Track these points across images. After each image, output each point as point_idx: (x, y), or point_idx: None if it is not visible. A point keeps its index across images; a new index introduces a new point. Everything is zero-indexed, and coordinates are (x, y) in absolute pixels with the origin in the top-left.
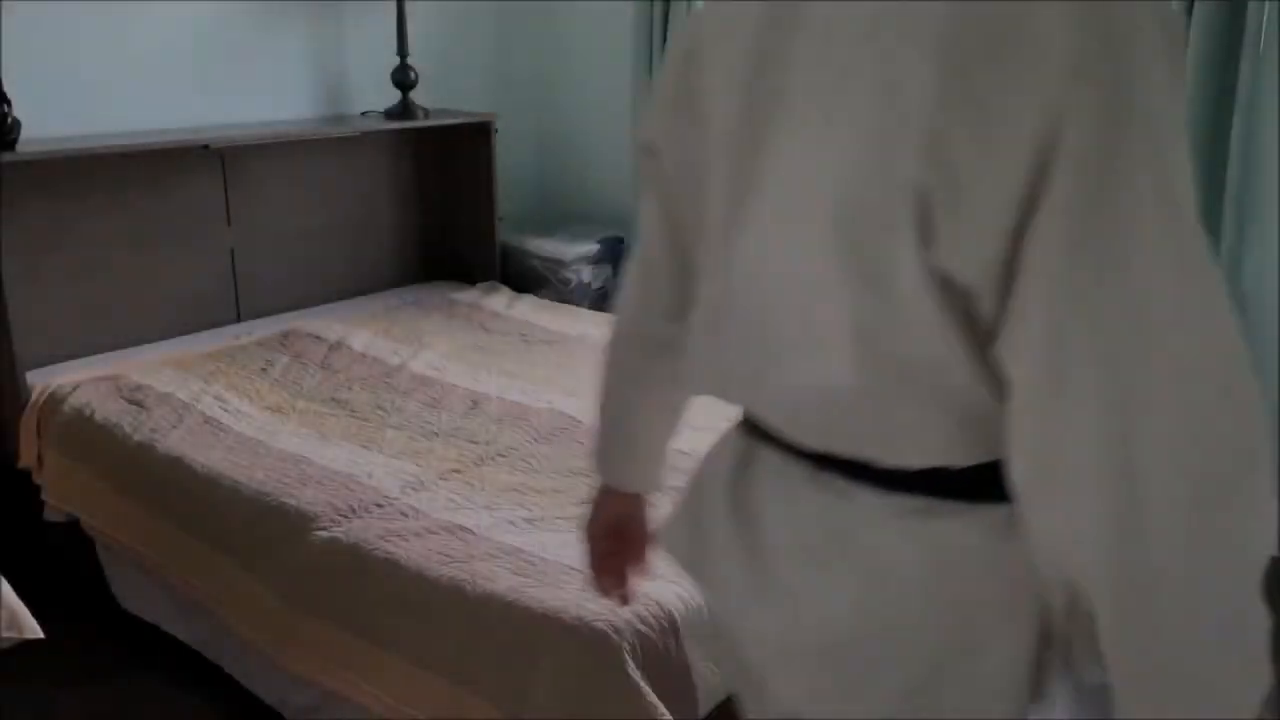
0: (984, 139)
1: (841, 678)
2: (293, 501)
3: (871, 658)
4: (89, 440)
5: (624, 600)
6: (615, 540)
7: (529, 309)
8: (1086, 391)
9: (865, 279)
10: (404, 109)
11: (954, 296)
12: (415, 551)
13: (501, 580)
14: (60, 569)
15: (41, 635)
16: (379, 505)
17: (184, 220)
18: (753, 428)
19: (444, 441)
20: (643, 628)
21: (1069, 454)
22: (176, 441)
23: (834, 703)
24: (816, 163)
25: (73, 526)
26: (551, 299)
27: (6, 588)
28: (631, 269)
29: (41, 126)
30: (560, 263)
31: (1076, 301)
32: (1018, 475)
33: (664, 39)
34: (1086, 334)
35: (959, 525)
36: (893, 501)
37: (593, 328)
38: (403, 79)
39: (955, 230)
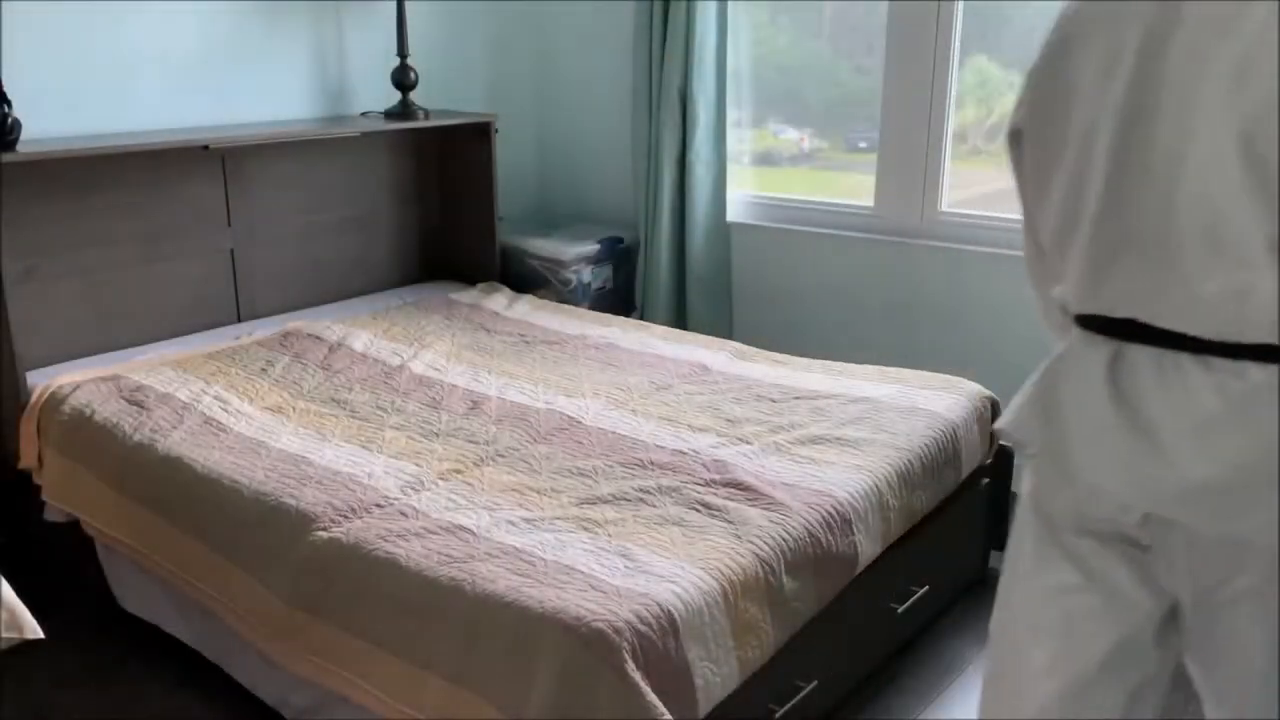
0: None
1: (1223, 509)
2: (293, 501)
3: (1249, 497)
4: (89, 440)
5: None
6: None
7: (529, 309)
8: None
9: (1271, 199)
10: (404, 109)
11: None
12: (415, 551)
13: (501, 580)
14: (60, 569)
15: (41, 635)
16: (379, 505)
17: (184, 220)
18: (1122, 332)
19: (444, 441)
20: (643, 628)
21: None
22: (176, 441)
23: (1221, 525)
24: (1224, 112)
25: (73, 526)
26: (551, 299)
27: (6, 588)
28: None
29: (41, 126)
30: (560, 263)
31: None
32: None
33: (664, 39)
34: None
35: None
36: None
37: (593, 328)
38: (403, 79)
39: None
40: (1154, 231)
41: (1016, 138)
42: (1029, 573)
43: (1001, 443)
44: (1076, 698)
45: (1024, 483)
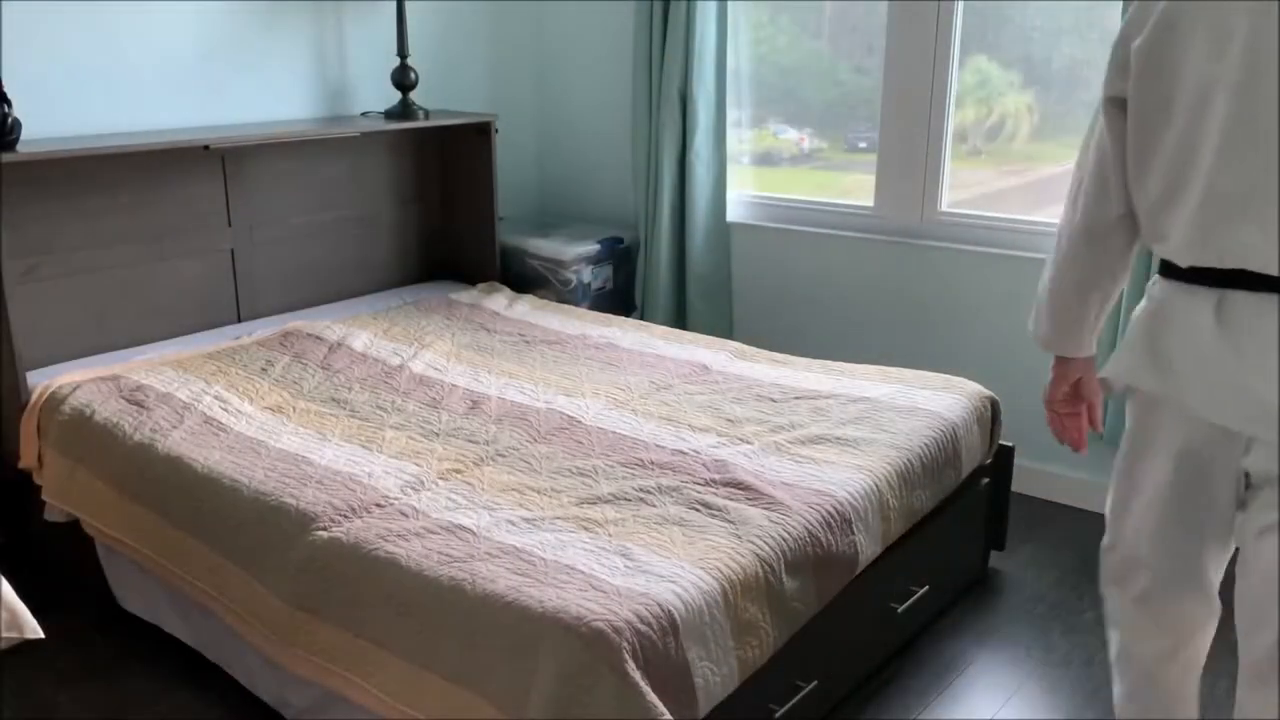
0: None
1: None
2: (293, 501)
3: None
4: (89, 440)
5: (1081, 446)
6: (1073, 400)
7: (529, 309)
8: None
9: None
10: (404, 109)
11: None
12: (415, 551)
13: (501, 580)
14: (60, 569)
15: (41, 635)
16: (379, 505)
17: (184, 220)
18: (1226, 280)
19: (444, 441)
20: (643, 627)
21: None
22: (176, 441)
23: None
24: None
25: (73, 526)
26: (551, 299)
27: (6, 588)
28: (1086, 183)
29: (41, 126)
30: (560, 263)
31: None
32: None
33: (664, 39)
34: None
35: None
36: None
37: (593, 328)
38: (403, 79)
39: None
40: (1264, 191)
41: (1117, 104)
42: (1143, 464)
43: (1002, 442)
44: (1179, 551)
45: (1132, 411)
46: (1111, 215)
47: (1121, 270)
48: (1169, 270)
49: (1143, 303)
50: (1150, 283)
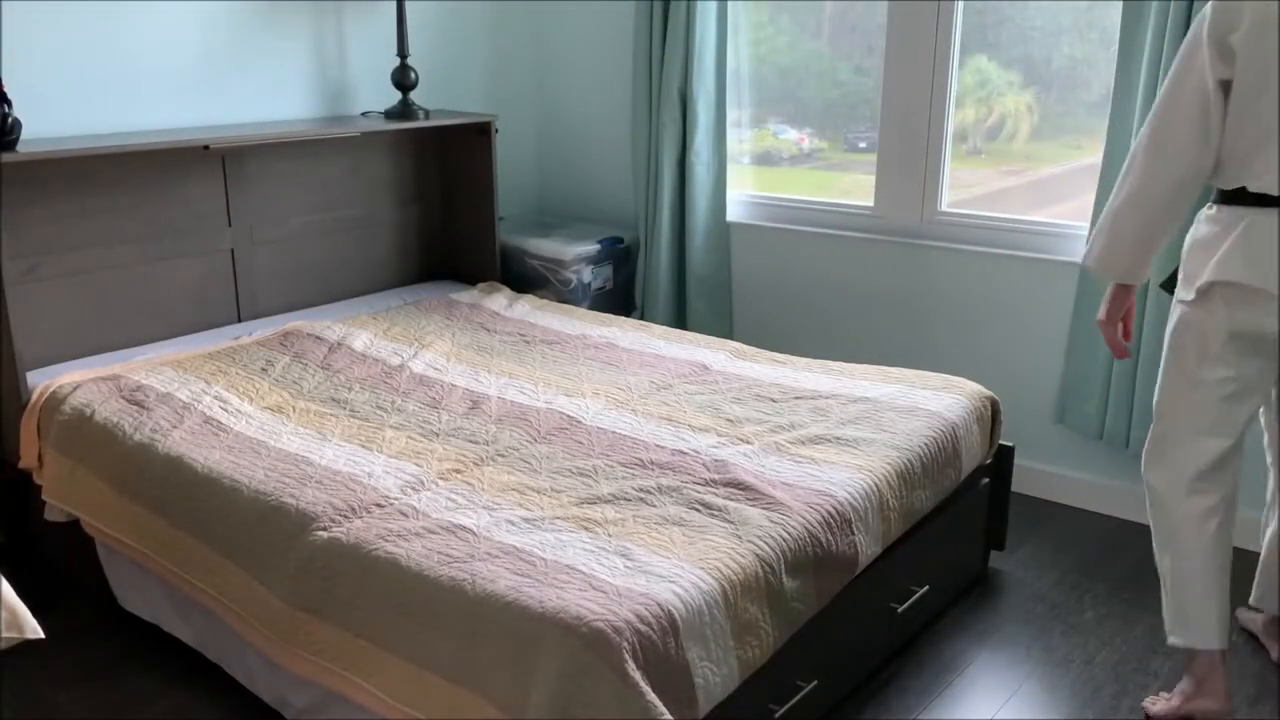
0: None
1: None
2: (293, 501)
3: None
4: (89, 440)
5: (1128, 354)
6: (1121, 321)
7: (529, 309)
8: None
9: None
10: (404, 109)
11: None
12: (415, 551)
13: (501, 580)
14: (60, 569)
15: (41, 635)
16: (379, 505)
17: (184, 220)
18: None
19: (444, 441)
20: (643, 628)
21: None
22: (176, 441)
23: None
24: None
25: (73, 526)
26: (551, 299)
27: (6, 588)
28: (1181, 144)
29: (41, 126)
30: (560, 263)
31: None
32: None
33: (664, 39)
34: None
35: None
36: None
37: (593, 328)
38: (403, 79)
39: None
40: None
41: (1223, 85)
42: (1191, 372)
43: (1002, 442)
44: (1226, 453)
45: (1184, 316)
46: (1207, 167)
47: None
48: (1243, 198)
49: (1209, 227)
50: (1210, 211)
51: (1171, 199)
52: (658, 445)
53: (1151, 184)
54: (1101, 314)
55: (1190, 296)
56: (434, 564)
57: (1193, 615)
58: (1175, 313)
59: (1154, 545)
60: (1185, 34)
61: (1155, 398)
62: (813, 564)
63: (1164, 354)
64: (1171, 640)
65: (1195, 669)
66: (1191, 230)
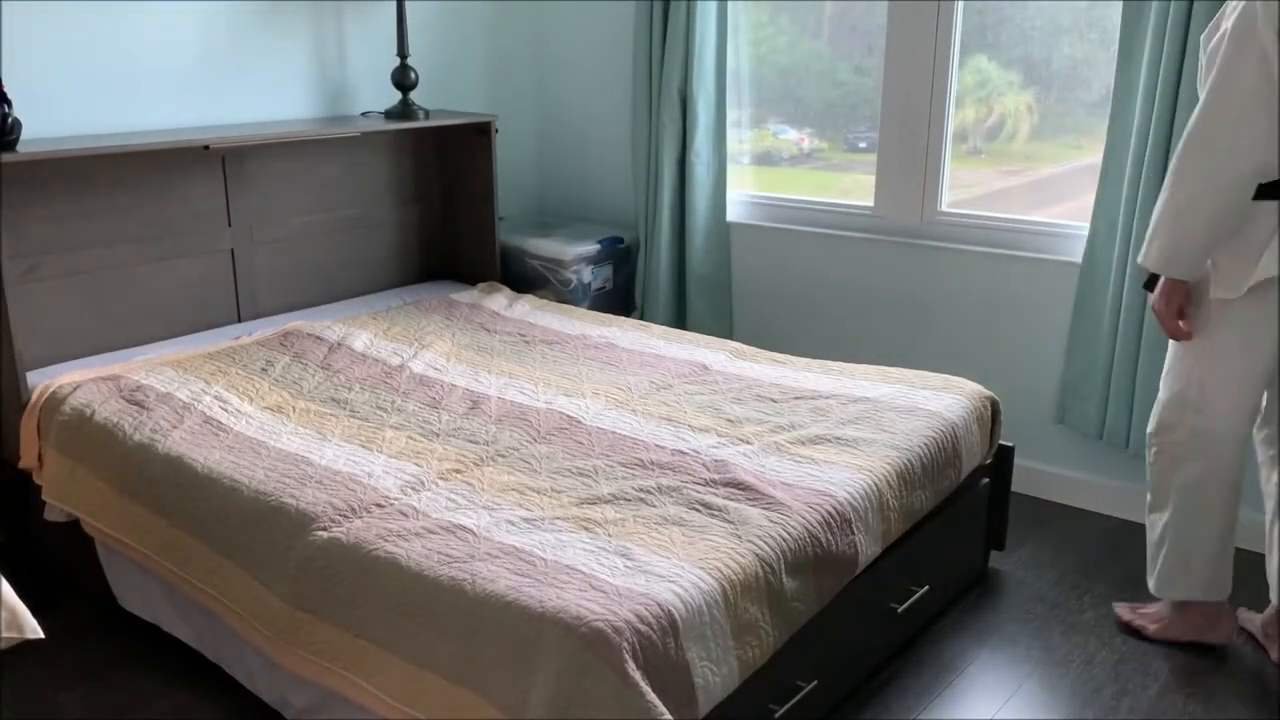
0: None
1: None
2: (293, 501)
3: None
4: (89, 440)
5: (1189, 335)
6: (1179, 312)
7: (529, 309)
8: None
9: None
10: (404, 109)
11: None
12: (415, 551)
13: (501, 580)
14: (60, 569)
15: (41, 635)
16: (379, 505)
17: (184, 220)
18: None
19: (444, 441)
20: (643, 628)
21: None
22: (176, 441)
23: None
24: None
25: (73, 526)
26: (551, 299)
27: (6, 588)
28: (1251, 140)
29: (41, 126)
30: (560, 263)
31: None
32: None
33: (664, 39)
34: None
35: None
36: None
37: (593, 328)
38: (403, 79)
39: None
40: None
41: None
42: (1235, 362)
43: (1002, 442)
44: (1251, 391)
45: (1226, 313)
46: (1274, 161)
47: None
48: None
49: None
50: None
51: (1243, 194)
52: (658, 445)
53: (1218, 180)
54: (1160, 305)
55: (1236, 294)
56: (434, 564)
57: (1204, 569)
58: (1211, 309)
59: (1149, 507)
60: (1185, 34)
61: (1183, 392)
62: (813, 564)
63: (1190, 352)
64: (1170, 595)
65: (1192, 615)
66: None
